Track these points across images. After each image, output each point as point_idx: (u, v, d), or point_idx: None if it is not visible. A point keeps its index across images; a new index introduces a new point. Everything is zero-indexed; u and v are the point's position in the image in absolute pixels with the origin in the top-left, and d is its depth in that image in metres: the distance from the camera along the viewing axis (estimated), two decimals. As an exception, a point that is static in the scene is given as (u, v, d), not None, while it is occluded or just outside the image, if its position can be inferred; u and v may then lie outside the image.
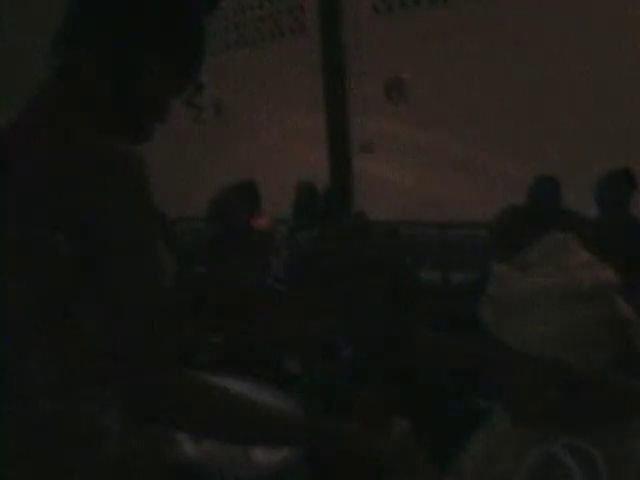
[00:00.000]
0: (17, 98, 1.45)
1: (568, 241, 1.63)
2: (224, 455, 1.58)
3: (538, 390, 1.59)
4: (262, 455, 1.58)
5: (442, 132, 7.35)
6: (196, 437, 1.65)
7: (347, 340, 3.70)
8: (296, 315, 3.89)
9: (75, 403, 1.31)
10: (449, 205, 7.13)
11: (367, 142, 8.05)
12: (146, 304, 1.30)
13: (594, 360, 1.55)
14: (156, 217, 1.35)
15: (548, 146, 6.40)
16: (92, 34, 1.36)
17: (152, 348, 1.31)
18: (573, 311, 1.53)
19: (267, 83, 8.65)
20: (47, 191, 1.27)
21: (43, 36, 1.52)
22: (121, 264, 1.28)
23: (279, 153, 8.49)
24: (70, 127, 1.33)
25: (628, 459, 1.57)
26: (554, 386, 1.58)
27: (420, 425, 1.86)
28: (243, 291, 4.09)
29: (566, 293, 1.54)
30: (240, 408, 1.39)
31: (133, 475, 1.35)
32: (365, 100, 8.01)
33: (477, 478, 1.81)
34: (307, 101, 8.30)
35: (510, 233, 5.03)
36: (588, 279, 1.55)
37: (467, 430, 1.87)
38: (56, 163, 1.28)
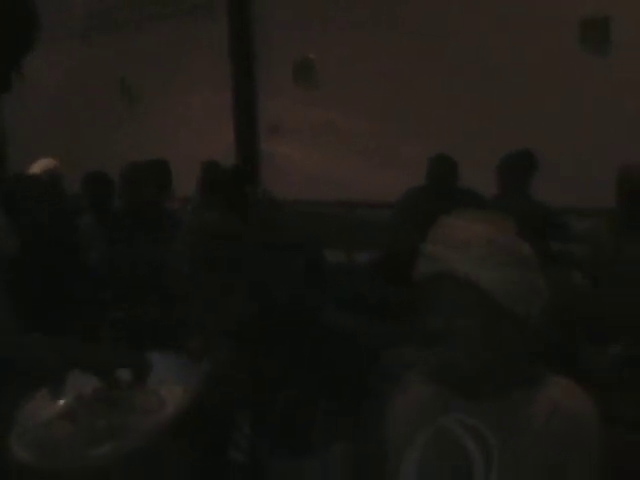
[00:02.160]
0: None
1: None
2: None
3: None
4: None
5: (349, 114, 7.42)
6: None
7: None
8: (201, 294, 3.90)
9: None
10: (355, 186, 7.22)
11: (274, 123, 8.08)
12: None
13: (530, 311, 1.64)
14: None
15: (453, 128, 6.54)
16: None
17: None
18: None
19: (174, 61, 8.58)
20: None
21: None
22: None
23: (186, 132, 8.44)
24: None
25: (517, 429, 1.67)
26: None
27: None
28: (148, 268, 4.08)
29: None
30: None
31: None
32: (273, 80, 8.03)
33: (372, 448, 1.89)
34: (215, 80, 8.27)
35: (411, 213, 5.17)
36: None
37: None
38: None
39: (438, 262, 1.65)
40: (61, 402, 1.55)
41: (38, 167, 6.43)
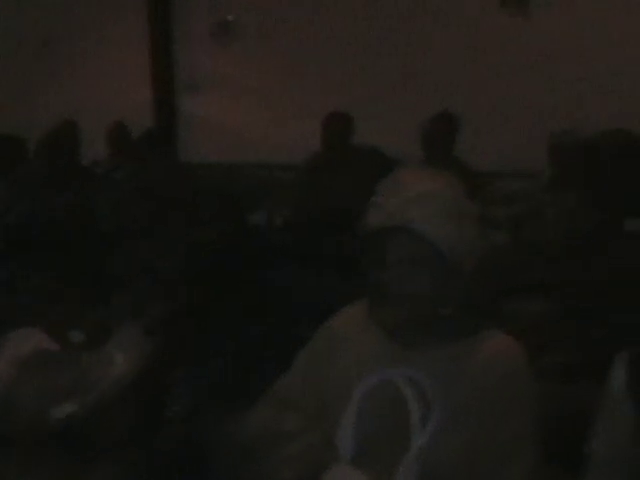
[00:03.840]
0: None
1: None
2: None
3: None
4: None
5: (269, 72, 7.37)
6: None
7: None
8: (124, 251, 3.90)
9: None
10: (275, 146, 7.20)
11: (192, 82, 7.97)
12: None
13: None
14: None
15: (376, 91, 6.56)
16: None
17: None
18: None
19: (91, 16, 8.36)
20: None
21: None
22: None
23: (101, 90, 8.26)
24: None
25: (455, 380, 1.71)
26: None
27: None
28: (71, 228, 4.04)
29: None
30: None
31: None
32: (191, 39, 7.92)
33: (305, 398, 1.91)
34: (131, 38, 8.11)
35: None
36: None
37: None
38: None
39: (390, 215, 1.67)
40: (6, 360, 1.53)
41: None
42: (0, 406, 1.48)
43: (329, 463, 1.68)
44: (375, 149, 5.49)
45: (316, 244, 4.61)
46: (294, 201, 5.82)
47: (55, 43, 8.75)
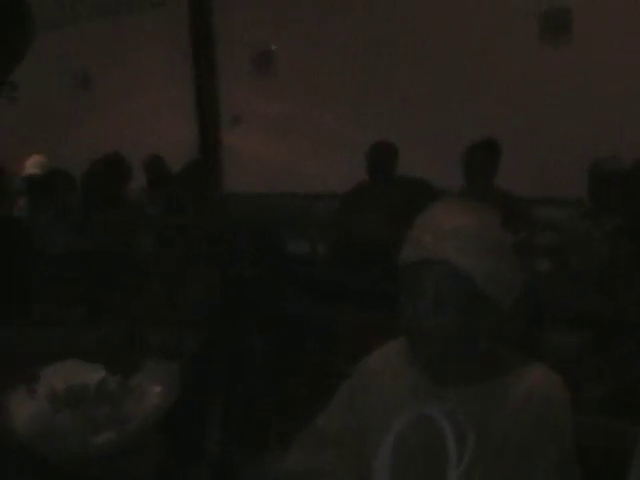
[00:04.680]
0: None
1: None
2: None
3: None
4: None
5: (311, 104, 7.42)
6: None
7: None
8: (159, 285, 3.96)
9: None
10: (316, 177, 7.23)
11: (236, 115, 8.05)
12: None
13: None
14: None
15: (415, 118, 6.57)
16: None
17: None
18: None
19: (135, 51, 8.52)
20: None
21: None
22: None
23: (147, 124, 8.39)
24: None
25: (493, 414, 1.69)
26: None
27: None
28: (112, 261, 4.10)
29: None
30: None
31: None
32: (234, 72, 8.00)
33: (342, 435, 1.90)
34: (175, 72, 8.23)
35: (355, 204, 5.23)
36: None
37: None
38: None
39: (426, 249, 1.66)
40: (42, 396, 1.57)
41: (33, 165, 6.59)
42: (40, 437, 1.50)
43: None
44: (420, 180, 5.46)
45: (357, 277, 4.61)
46: (337, 231, 5.82)
47: (98, 78, 8.94)
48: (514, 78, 6.13)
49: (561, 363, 1.92)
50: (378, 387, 1.86)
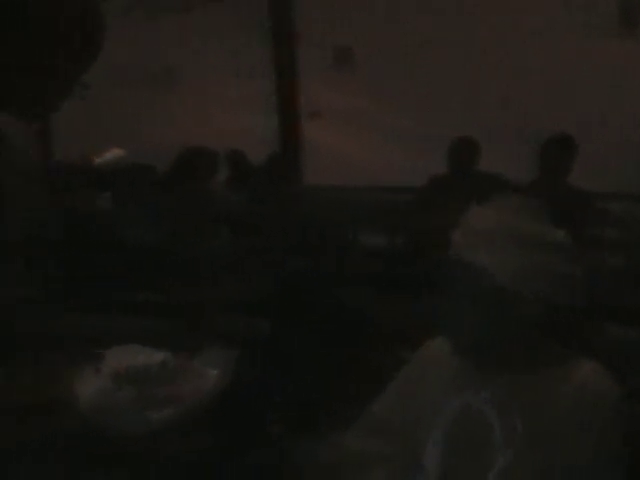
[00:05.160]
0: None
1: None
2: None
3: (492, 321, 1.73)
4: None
5: (390, 98, 7.46)
6: None
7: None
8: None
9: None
10: (396, 170, 7.26)
11: (315, 110, 8.14)
12: None
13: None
14: None
15: (496, 115, 6.54)
16: None
17: None
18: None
19: (217, 45, 8.67)
20: None
21: None
22: None
23: (228, 118, 8.54)
24: None
25: (543, 408, 1.72)
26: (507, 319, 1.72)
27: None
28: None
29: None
30: None
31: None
32: (314, 67, 8.09)
33: (395, 422, 1.96)
34: (257, 66, 8.35)
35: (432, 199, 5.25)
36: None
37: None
38: None
39: (455, 247, 1.72)
40: (106, 374, 1.66)
41: (112, 158, 6.82)
42: (101, 412, 1.60)
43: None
44: (500, 176, 5.47)
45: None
46: (415, 223, 5.86)
47: (181, 72, 9.13)
48: (589, 72, 6.05)
49: (615, 358, 1.94)
50: (431, 376, 1.91)
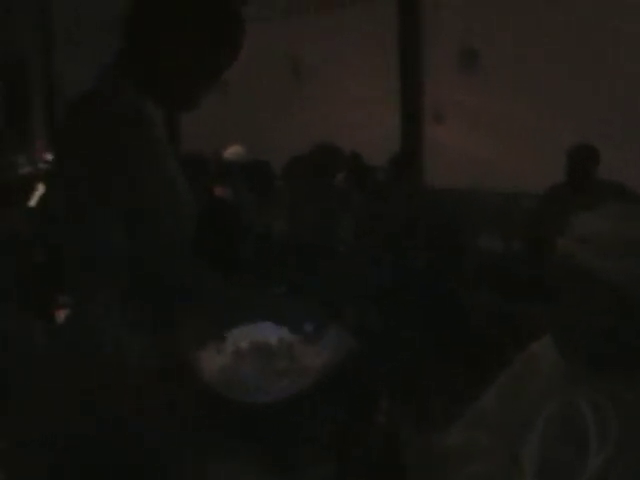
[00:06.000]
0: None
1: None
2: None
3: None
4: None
5: (512, 102, 7.41)
6: None
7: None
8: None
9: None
10: (517, 175, 7.22)
11: (438, 110, 8.17)
12: None
13: None
14: None
15: (621, 124, 6.44)
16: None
17: None
18: None
19: (345, 45, 8.80)
20: None
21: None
22: None
23: (352, 116, 8.64)
24: None
25: (637, 415, 1.76)
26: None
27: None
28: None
29: None
30: None
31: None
32: (439, 68, 8.12)
33: (498, 419, 2.02)
34: (383, 66, 8.45)
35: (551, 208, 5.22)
36: None
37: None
38: None
39: (569, 257, 1.77)
40: (228, 352, 1.78)
41: (232, 154, 7.12)
42: (225, 386, 1.70)
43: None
44: (620, 185, 5.40)
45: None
46: (532, 229, 5.84)
47: (308, 71, 9.28)
48: None
49: None
50: (535, 374, 1.96)
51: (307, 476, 1.97)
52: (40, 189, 6.51)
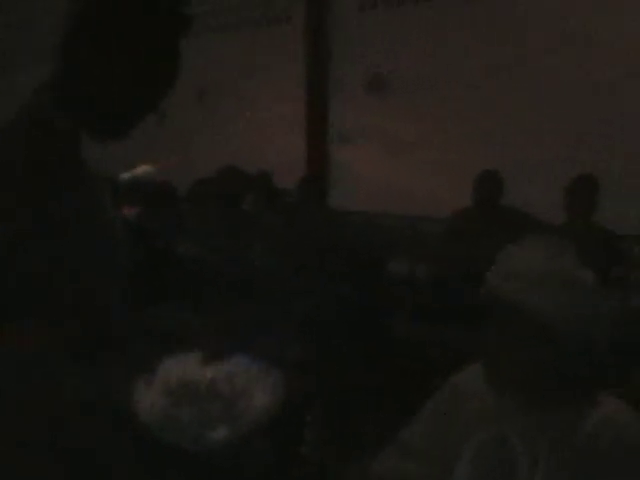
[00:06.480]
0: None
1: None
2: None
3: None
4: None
5: (419, 127, 7.52)
6: None
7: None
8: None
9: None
10: (421, 199, 7.30)
11: (345, 133, 8.23)
12: None
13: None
14: None
15: (523, 142, 6.59)
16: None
17: None
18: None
19: (248, 67, 8.79)
20: None
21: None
22: None
23: (256, 139, 8.63)
24: None
25: (566, 442, 1.79)
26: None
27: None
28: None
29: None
30: None
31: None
32: (345, 91, 8.18)
33: (426, 448, 2.03)
34: (288, 89, 8.46)
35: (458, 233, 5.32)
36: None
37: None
38: None
39: (493, 288, 1.80)
40: (157, 388, 1.72)
41: (141, 173, 7.00)
42: (158, 428, 1.64)
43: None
44: (523, 213, 5.54)
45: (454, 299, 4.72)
46: (438, 254, 5.91)
47: (212, 93, 9.23)
48: (616, 111, 6.08)
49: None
50: (462, 407, 1.98)
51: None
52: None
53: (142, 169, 7.17)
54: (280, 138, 8.43)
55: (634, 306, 4.01)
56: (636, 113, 5.95)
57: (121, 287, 1.73)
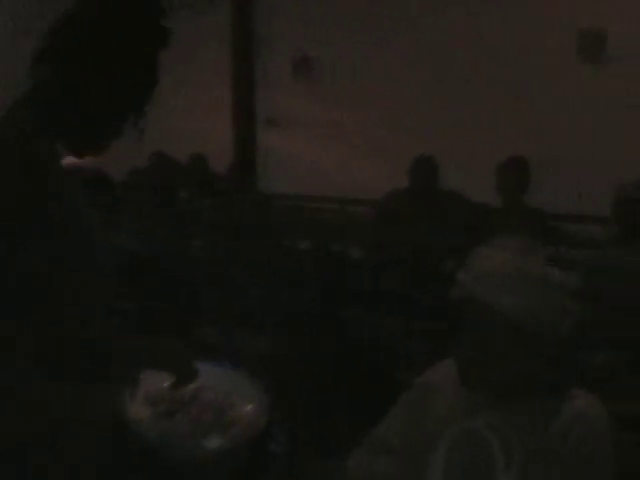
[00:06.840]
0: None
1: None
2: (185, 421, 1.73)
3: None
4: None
5: (347, 109, 7.54)
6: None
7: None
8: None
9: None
10: (349, 181, 7.34)
11: (272, 116, 8.19)
12: None
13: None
14: None
15: (456, 128, 6.67)
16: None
17: None
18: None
19: (172, 51, 8.66)
20: None
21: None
22: None
23: (183, 124, 8.54)
24: None
25: (539, 435, 1.84)
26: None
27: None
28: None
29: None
30: None
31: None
32: (272, 75, 8.15)
33: (400, 443, 2.07)
34: (213, 73, 8.37)
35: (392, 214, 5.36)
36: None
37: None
38: None
39: (465, 289, 1.84)
40: (140, 400, 1.70)
41: (75, 162, 6.80)
42: (149, 439, 1.63)
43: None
44: (458, 194, 5.61)
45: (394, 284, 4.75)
46: (373, 237, 5.93)
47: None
48: (549, 97, 6.21)
49: (596, 383, 2.07)
50: (435, 402, 2.02)
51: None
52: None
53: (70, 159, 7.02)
54: (207, 124, 8.35)
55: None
56: (569, 97, 6.09)
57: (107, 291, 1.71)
